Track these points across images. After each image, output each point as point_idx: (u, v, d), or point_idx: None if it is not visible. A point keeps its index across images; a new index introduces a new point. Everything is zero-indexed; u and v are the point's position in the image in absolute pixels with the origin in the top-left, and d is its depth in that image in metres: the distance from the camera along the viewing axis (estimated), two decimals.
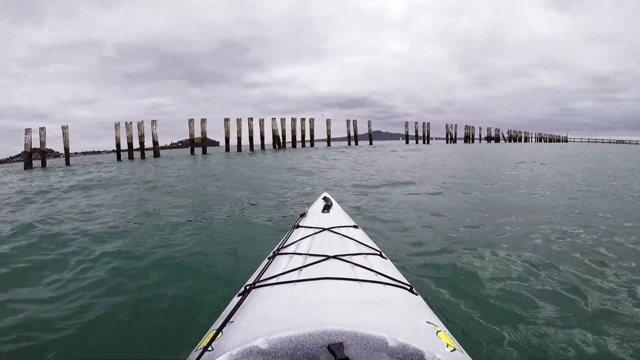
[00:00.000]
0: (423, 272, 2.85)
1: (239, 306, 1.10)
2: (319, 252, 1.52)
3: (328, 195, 2.76)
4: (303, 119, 31.60)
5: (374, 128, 35.84)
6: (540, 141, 61.01)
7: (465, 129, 45.46)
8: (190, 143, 30.80)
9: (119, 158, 27.73)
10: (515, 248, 3.41)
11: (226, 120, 30.38)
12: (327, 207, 2.44)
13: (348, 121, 33.97)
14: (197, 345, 1.03)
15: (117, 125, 30.30)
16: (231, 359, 0.84)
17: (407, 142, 38.20)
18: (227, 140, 30.40)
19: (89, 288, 2.56)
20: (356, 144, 34.20)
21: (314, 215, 2.29)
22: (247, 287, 1.25)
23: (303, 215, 2.33)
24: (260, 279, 1.32)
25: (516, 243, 3.58)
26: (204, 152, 29.78)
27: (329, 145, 32.93)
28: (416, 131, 38.72)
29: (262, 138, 30.52)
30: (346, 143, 34.82)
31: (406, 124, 38.18)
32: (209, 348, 0.92)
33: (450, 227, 4.20)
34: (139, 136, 29.53)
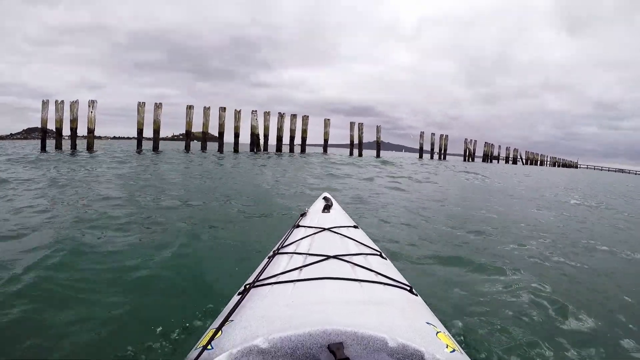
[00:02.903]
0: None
1: (238, 305, 1.08)
2: (319, 252, 1.50)
3: (328, 195, 2.68)
4: (294, 116, 23.68)
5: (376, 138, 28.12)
6: (554, 165, 56.06)
7: (485, 146, 38.57)
8: (139, 135, 22.55)
9: (43, 148, 20.51)
10: (516, 252, 3.65)
11: (189, 107, 22.28)
12: (327, 207, 2.38)
13: (352, 124, 26.18)
14: (197, 344, 1.02)
15: (44, 104, 22.39)
16: (231, 358, 0.83)
17: (420, 157, 30.80)
18: (187, 134, 22.28)
19: (80, 286, 2.47)
20: (360, 154, 26.47)
21: (314, 215, 2.24)
22: (247, 286, 1.23)
23: (303, 214, 2.27)
24: (260, 278, 1.29)
25: (518, 248, 3.82)
26: (155, 148, 21.65)
27: (325, 151, 25.06)
28: (432, 144, 31.40)
29: (237, 137, 22.47)
30: (346, 151, 27.08)
31: (421, 134, 30.83)
32: (209, 347, 0.91)
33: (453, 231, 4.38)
34: (71, 120, 22.05)
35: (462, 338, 1.89)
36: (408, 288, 1.29)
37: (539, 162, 51.27)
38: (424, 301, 1.31)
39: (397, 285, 1.28)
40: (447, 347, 0.92)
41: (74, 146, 20.96)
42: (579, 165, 64.91)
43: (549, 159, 55.87)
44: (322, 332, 0.85)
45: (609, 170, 62.06)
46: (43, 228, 3.88)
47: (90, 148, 20.66)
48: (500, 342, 1.93)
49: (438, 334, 0.97)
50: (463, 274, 3.00)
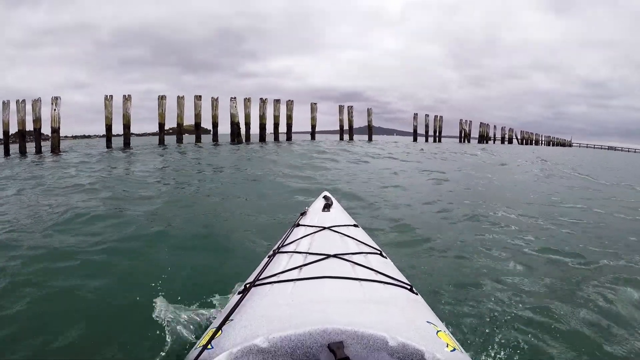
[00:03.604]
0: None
1: (239, 304, 1.07)
2: (319, 251, 1.47)
3: (328, 194, 2.63)
4: (277, 101, 21.82)
5: (367, 122, 26.32)
6: (549, 144, 55.54)
7: (480, 127, 37.08)
8: (107, 132, 20.56)
9: (6, 153, 18.81)
10: (517, 249, 3.50)
11: (161, 98, 20.29)
12: (327, 206, 2.34)
13: (341, 107, 24.37)
14: (197, 344, 1.02)
15: (5, 105, 20.63)
16: (231, 357, 0.82)
17: (415, 140, 29.22)
18: (160, 127, 20.30)
19: (79, 286, 2.50)
20: (351, 138, 24.75)
21: (314, 214, 2.21)
22: (247, 285, 1.21)
23: (303, 213, 2.24)
24: (261, 277, 1.28)
25: (519, 245, 3.66)
26: (126, 144, 19.71)
27: (313, 138, 23.26)
28: (426, 126, 29.79)
29: (215, 126, 20.57)
30: (336, 137, 25.34)
31: (415, 116, 29.18)
32: (209, 346, 0.90)
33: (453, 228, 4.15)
34: (34, 121, 20.36)
35: (462, 337, 1.88)
36: (408, 287, 1.28)
37: (533, 141, 50.35)
38: (425, 300, 1.29)
39: (397, 284, 1.26)
40: (447, 346, 0.90)
41: (38, 149, 18.98)
42: (572, 144, 64.61)
43: (543, 138, 55.08)
44: (322, 332, 0.84)
45: (601, 148, 62.31)
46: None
47: (54, 150, 18.66)
48: (501, 341, 1.90)
49: (438, 333, 0.96)
50: (464, 273, 2.93)
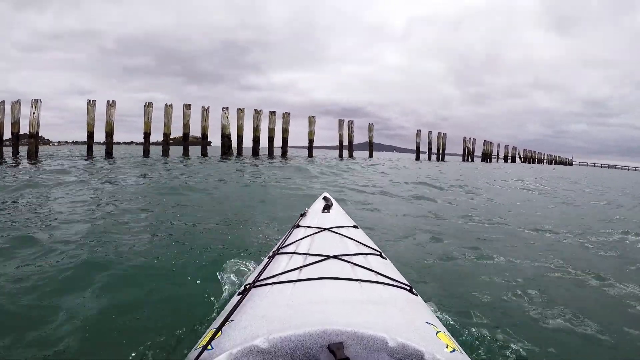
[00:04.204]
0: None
1: (238, 305, 1.08)
2: (319, 252, 1.48)
3: (328, 195, 2.62)
4: (272, 113, 20.37)
5: (367, 137, 24.95)
6: (551, 163, 55.00)
7: (484, 145, 35.90)
8: (88, 139, 19.02)
9: None
10: (515, 252, 3.48)
11: (148, 105, 18.82)
12: (327, 207, 2.34)
13: (341, 122, 22.96)
14: (197, 344, 1.01)
15: None
16: (231, 358, 0.83)
17: (417, 158, 27.85)
18: (146, 137, 18.78)
19: (81, 286, 2.45)
20: (350, 155, 23.32)
21: (314, 215, 2.21)
22: (247, 286, 1.22)
23: (303, 214, 2.24)
24: (260, 278, 1.28)
25: (517, 248, 3.65)
26: (108, 154, 18.23)
27: (310, 155, 21.78)
28: (429, 144, 28.48)
29: (205, 137, 19.09)
30: (335, 153, 23.92)
31: (418, 132, 27.82)
32: (209, 347, 0.91)
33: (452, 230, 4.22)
34: (12, 124, 18.41)
35: (462, 338, 1.83)
36: (408, 288, 1.27)
37: (536, 160, 49.42)
38: (424, 301, 1.28)
39: (397, 285, 1.26)
40: (447, 346, 0.91)
41: (15, 153, 17.58)
42: (573, 163, 64.02)
43: (545, 157, 54.25)
44: (322, 332, 0.85)
45: (601, 167, 61.91)
46: None
47: (31, 156, 17.10)
48: (501, 341, 1.87)
49: (438, 334, 0.96)
50: (464, 273, 2.90)
